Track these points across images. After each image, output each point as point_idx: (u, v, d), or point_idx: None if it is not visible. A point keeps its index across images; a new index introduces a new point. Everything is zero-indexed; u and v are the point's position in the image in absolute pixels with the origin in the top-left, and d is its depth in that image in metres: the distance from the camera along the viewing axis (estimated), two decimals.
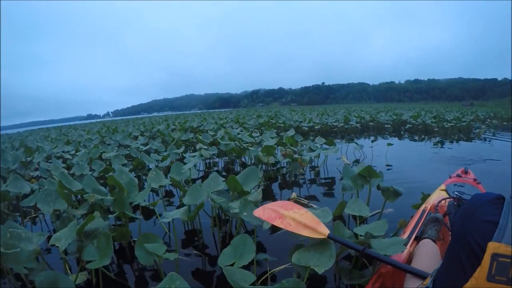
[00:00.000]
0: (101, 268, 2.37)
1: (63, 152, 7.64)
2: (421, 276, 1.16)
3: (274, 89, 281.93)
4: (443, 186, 2.58)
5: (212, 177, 3.09)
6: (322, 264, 1.45)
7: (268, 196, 4.29)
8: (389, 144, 6.86)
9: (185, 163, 4.17)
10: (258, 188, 3.35)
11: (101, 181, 4.84)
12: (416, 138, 10.35)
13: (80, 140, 10.01)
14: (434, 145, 8.47)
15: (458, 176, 2.90)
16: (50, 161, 6.15)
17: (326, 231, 1.54)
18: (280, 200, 3.91)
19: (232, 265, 1.74)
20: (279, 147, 6.07)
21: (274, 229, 2.92)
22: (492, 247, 0.65)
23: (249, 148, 5.47)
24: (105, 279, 2.36)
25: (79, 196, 3.60)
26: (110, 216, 2.87)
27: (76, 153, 7.12)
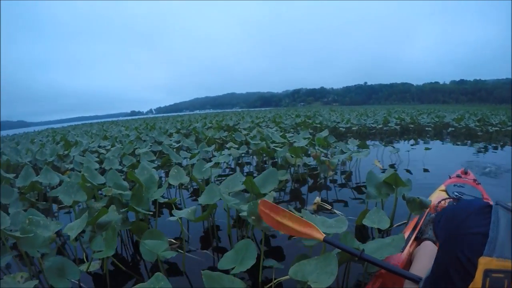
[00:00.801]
0: (113, 259, 2.53)
1: (98, 147, 8.02)
2: (416, 280, 1.15)
3: (315, 89, 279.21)
4: (443, 187, 2.58)
5: (232, 177, 3.08)
6: (321, 281, 1.37)
7: (296, 198, 4.25)
8: (426, 149, 6.50)
9: (215, 162, 4.24)
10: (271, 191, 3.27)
11: None
12: (458, 142, 9.74)
13: (117, 136, 10.50)
14: (477, 150, 7.88)
15: (458, 176, 2.90)
16: (85, 155, 6.47)
17: (321, 235, 1.53)
18: (306, 204, 3.85)
19: (231, 270, 1.71)
20: (311, 148, 5.96)
21: (291, 236, 2.89)
22: (484, 262, 0.63)
23: (278, 148, 5.38)
24: (116, 269, 2.51)
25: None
26: (127, 210, 2.95)
27: (111, 148, 7.46)
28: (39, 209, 4.09)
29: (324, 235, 1.53)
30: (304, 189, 4.67)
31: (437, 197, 2.40)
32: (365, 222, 2.11)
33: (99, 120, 68.55)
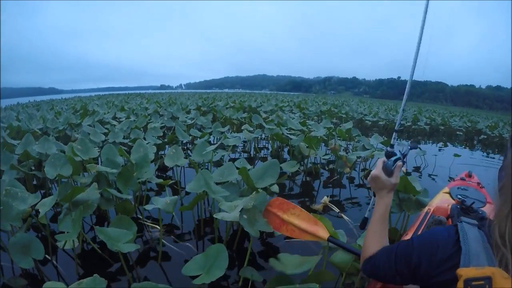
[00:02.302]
0: (88, 240, 2.43)
1: (113, 118, 7.94)
2: None
3: (347, 78, 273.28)
4: (446, 189, 2.53)
5: (228, 164, 2.81)
6: None
7: (305, 193, 3.99)
8: (456, 155, 5.92)
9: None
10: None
11: None
12: (490, 151, 9.05)
13: (135, 108, 10.43)
14: None
15: (462, 179, 2.86)
16: (94, 125, 6.37)
17: (326, 234, 1.58)
18: (316, 202, 3.55)
19: (197, 277, 1.46)
20: (332, 140, 5.58)
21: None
22: (463, 273, 0.65)
23: (293, 136, 5.04)
24: (93, 251, 2.33)
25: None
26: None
27: (125, 120, 7.34)
28: (37, 178, 4.02)
29: (329, 234, 1.56)
30: (316, 183, 4.37)
31: (441, 199, 2.34)
32: (361, 240, 1.81)
33: (128, 92, 69.83)
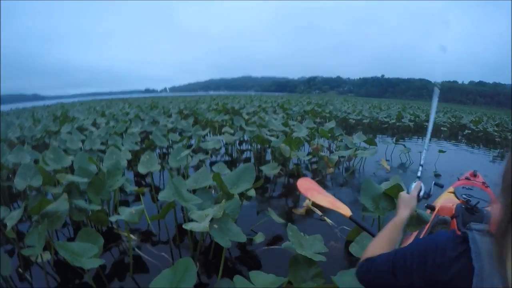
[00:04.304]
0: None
1: (91, 124, 7.75)
2: None
3: (332, 77, 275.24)
4: (451, 189, 2.55)
5: (202, 170, 2.73)
6: None
7: (286, 195, 3.92)
8: (440, 151, 5.87)
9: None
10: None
11: None
12: (475, 145, 9.17)
13: (116, 113, 10.21)
14: (493, 158, 7.34)
15: (467, 179, 2.88)
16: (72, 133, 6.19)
17: (349, 212, 1.71)
18: (298, 204, 3.49)
19: None
20: (316, 139, 5.54)
21: (271, 242, 2.67)
22: None
23: (273, 138, 4.97)
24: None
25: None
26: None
27: (107, 125, 7.17)
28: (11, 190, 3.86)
29: (351, 213, 1.69)
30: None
31: (446, 199, 2.34)
32: (352, 249, 1.75)
33: (112, 97, 68.71)
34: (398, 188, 2.20)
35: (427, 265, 0.69)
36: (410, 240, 1.99)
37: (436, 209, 2.14)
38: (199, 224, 1.74)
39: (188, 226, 1.72)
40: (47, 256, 2.32)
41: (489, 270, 0.60)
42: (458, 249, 0.66)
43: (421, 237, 1.83)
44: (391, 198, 2.31)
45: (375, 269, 0.84)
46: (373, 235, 1.41)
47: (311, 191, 2.09)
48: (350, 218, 1.65)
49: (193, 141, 5.80)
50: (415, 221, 2.20)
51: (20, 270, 2.22)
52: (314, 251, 1.71)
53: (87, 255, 1.68)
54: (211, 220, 1.74)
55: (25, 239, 2.01)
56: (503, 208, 0.62)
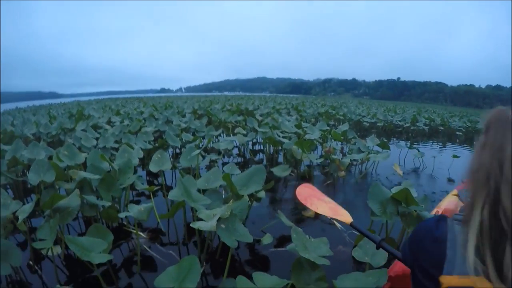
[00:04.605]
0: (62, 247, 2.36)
1: (106, 123, 7.87)
2: None
3: (347, 80, 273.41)
4: (455, 191, 2.52)
5: (214, 170, 2.74)
6: None
7: (297, 198, 3.84)
8: (454, 156, 5.71)
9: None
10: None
11: None
12: None
13: (130, 112, 10.35)
14: None
15: None
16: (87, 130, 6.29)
17: (350, 219, 1.60)
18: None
19: None
20: (329, 141, 5.50)
21: (280, 243, 2.66)
22: (445, 281, 0.64)
23: (285, 140, 4.95)
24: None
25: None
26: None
27: (121, 124, 7.27)
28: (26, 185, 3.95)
29: (352, 220, 1.58)
30: None
31: (450, 201, 2.32)
32: (355, 253, 1.74)
33: (128, 96, 69.65)
34: (406, 193, 2.18)
35: (413, 252, 0.75)
36: None
37: (440, 211, 2.14)
38: (206, 224, 1.75)
39: (195, 225, 1.74)
40: (58, 250, 2.37)
41: (462, 257, 0.64)
42: (437, 236, 0.70)
43: None
44: (398, 202, 2.29)
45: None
46: (375, 242, 1.36)
47: (310, 198, 2.02)
48: (351, 225, 1.57)
49: (205, 142, 5.84)
50: (416, 221, 2.20)
51: (31, 262, 2.28)
52: (319, 254, 1.70)
53: (96, 250, 1.71)
54: (219, 220, 1.75)
55: (36, 232, 2.06)
56: (469, 195, 0.68)
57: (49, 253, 2.27)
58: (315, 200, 1.92)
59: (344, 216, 1.68)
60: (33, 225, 2.98)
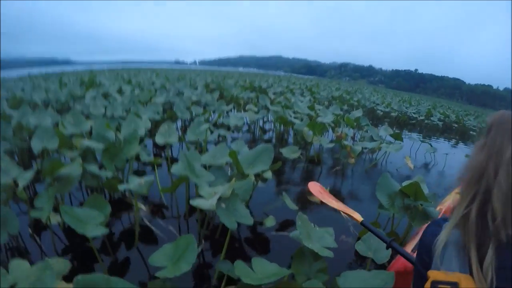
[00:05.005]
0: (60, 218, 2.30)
1: (117, 91, 7.82)
2: None
3: (363, 66, 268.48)
4: (458, 189, 2.15)
5: (220, 146, 2.67)
6: None
7: (304, 181, 3.76)
8: (468, 156, 5.55)
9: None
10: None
11: None
12: None
13: (142, 82, 10.28)
14: None
15: None
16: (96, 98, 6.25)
17: (359, 218, 1.62)
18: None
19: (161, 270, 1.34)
20: (340, 128, 5.37)
21: (283, 227, 2.61)
22: (432, 275, 0.68)
23: (296, 121, 4.84)
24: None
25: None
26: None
27: (132, 93, 7.23)
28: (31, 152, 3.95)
29: (362, 219, 1.61)
30: (317, 172, 4.19)
31: (453, 199, 2.34)
32: (358, 247, 1.67)
33: (142, 65, 69.49)
34: (416, 187, 2.09)
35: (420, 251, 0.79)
36: (417, 237, 1.99)
37: (443, 209, 2.15)
38: (206, 202, 1.68)
39: (195, 202, 1.68)
40: (57, 219, 2.34)
41: (449, 254, 0.69)
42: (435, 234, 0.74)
43: None
44: (406, 196, 2.20)
45: None
46: (385, 242, 1.37)
47: (322, 194, 2.04)
48: (362, 223, 1.59)
49: (214, 116, 5.76)
50: (421, 216, 2.12)
51: (29, 231, 2.27)
52: (323, 245, 1.62)
53: (92, 222, 1.66)
54: (219, 199, 1.69)
55: (34, 200, 2.03)
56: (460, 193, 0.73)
57: (53, 222, 2.25)
58: (326, 196, 1.96)
59: (355, 214, 1.70)
60: (38, 192, 2.98)
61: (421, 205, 2.10)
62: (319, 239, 1.66)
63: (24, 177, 2.19)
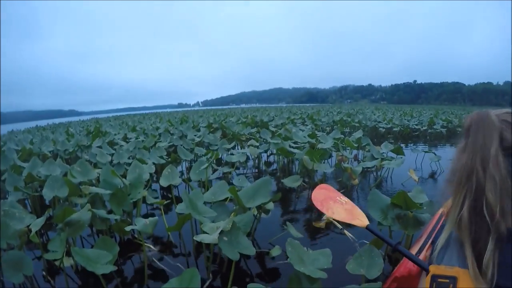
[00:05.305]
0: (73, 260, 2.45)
1: (122, 139, 8.07)
2: None
3: (363, 86, 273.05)
4: None
5: (220, 184, 2.80)
6: None
7: (309, 209, 3.86)
8: (451, 160, 5.54)
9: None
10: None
11: None
12: None
13: (146, 128, 10.57)
14: None
15: None
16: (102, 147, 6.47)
17: (366, 222, 1.65)
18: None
19: None
20: (343, 150, 5.47)
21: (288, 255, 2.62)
22: (432, 269, 0.73)
23: (297, 150, 4.97)
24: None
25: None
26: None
27: (136, 140, 7.44)
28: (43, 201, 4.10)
29: (368, 222, 1.63)
30: None
31: (447, 203, 2.15)
32: (349, 266, 1.74)
33: (146, 111, 71.17)
34: (404, 196, 2.20)
35: None
36: (421, 239, 1.95)
37: (446, 211, 2.10)
38: (209, 236, 1.79)
39: (198, 237, 1.78)
40: (70, 261, 2.46)
41: (450, 250, 0.73)
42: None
43: (430, 240, 1.76)
44: (398, 207, 2.31)
45: None
46: (391, 245, 1.41)
47: (327, 201, 2.02)
48: (367, 228, 1.62)
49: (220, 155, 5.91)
50: (413, 223, 2.23)
51: (44, 273, 2.41)
52: (317, 267, 1.70)
53: (101, 261, 1.79)
54: (221, 233, 1.79)
55: (48, 245, 2.18)
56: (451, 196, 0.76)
57: (62, 265, 2.36)
58: (331, 203, 1.93)
59: (360, 217, 1.74)
60: (51, 238, 3.10)
61: (411, 212, 2.18)
62: (313, 262, 1.74)
63: (37, 223, 2.32)
